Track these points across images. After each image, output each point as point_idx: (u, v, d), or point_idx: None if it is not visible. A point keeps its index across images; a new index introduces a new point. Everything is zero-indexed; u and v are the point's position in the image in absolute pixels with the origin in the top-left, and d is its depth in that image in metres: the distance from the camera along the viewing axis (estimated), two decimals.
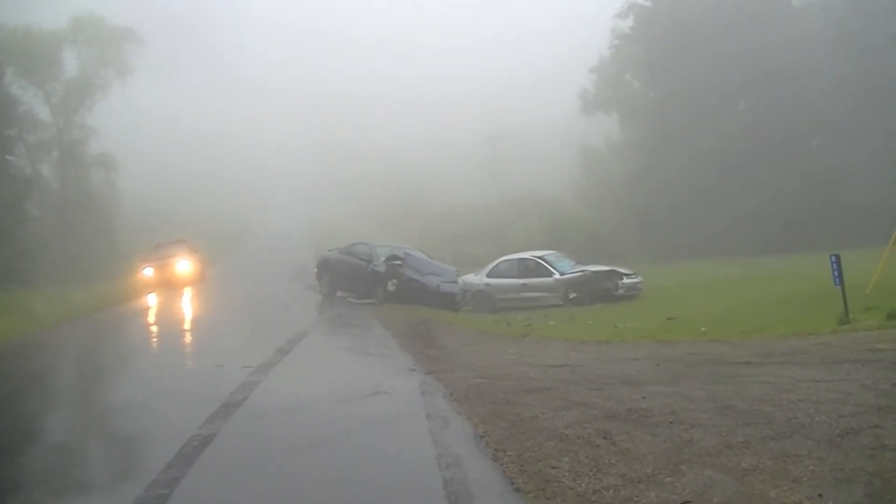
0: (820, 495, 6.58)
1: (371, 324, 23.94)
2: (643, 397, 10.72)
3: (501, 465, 8.27)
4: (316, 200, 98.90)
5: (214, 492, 7.87)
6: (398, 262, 30.17)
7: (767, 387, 10.89)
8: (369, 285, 30.79)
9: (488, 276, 32.43)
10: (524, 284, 31.27)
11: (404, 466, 8.71)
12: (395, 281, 29.97)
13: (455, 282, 30.89)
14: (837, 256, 17.49)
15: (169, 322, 27.11)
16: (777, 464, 7.49)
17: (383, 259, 30.60)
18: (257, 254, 64.79)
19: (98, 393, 14.91)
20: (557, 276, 30.73)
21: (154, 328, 26.07)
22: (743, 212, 51.35)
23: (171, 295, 35.68)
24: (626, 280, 30.37)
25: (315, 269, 34.62)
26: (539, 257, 32.15)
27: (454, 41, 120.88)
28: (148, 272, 41.23)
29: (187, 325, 26.05)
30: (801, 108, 50.94)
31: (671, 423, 9.26)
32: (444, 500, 7.21)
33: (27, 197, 52.87)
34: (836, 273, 17.38)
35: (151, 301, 34.16)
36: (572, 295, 30.03)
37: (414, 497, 7.71)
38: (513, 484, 7.62)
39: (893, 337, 14.14)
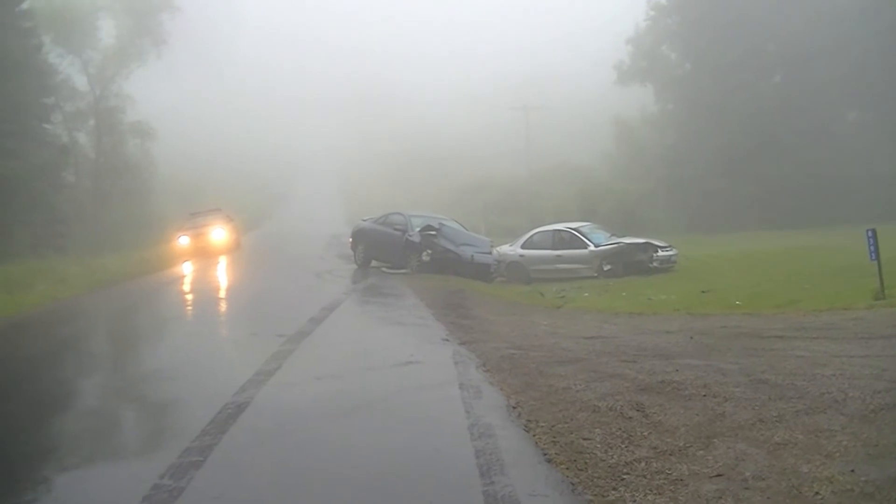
0: (852, 471, 6.55)
1: (405, 294, 23.93)
2: (676, 370, 10.70)
3: (533, 435, 8.28)
4: (349, 170, 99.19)
5: (247, 459, 7.90)
6: (433, 232, 30.08)
7: (801, 361, 10.85)
8: (404, 255, 30.72)
9: (522, 247, 32.43)
10: (558, 256, 31.25)
11: (436, 435, 8.72)
12: (429, 251, 29.90)
13: (489, 252, 30.84)
14: (874, 230, 17.38)
15: (203, 290, 27.22)
16: (810, 438, 7.47)
17: (418, 229, 30.50)
18: (291, 223, 65.08)
19: (131, 359, 15.00)
20: (592, 247, 30.69)
21: (189, 296, 26.17)
22: (777, 185, 51.27)
23: (205, 263, 35.82)
24: (660, 253, 30.31)
25: (349, 239, 34.60)
26: (574, 229, 32.11)
27: (488, 12, 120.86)
28: (183, 240, 41.42)
29: (222, 294, 26.17)
30: (838, 81, 50.55)
31: (704, 396, 9.25)
32: (476, 469, 7.21)
33: (63, 164, 53.34)
34: (871, 247, 17.27)
35: (186, 269, 34.31)
36: (607, 267, 29.99)
37: (445, 466, 7.70)
38: (545, 455, 7.62)
39: None
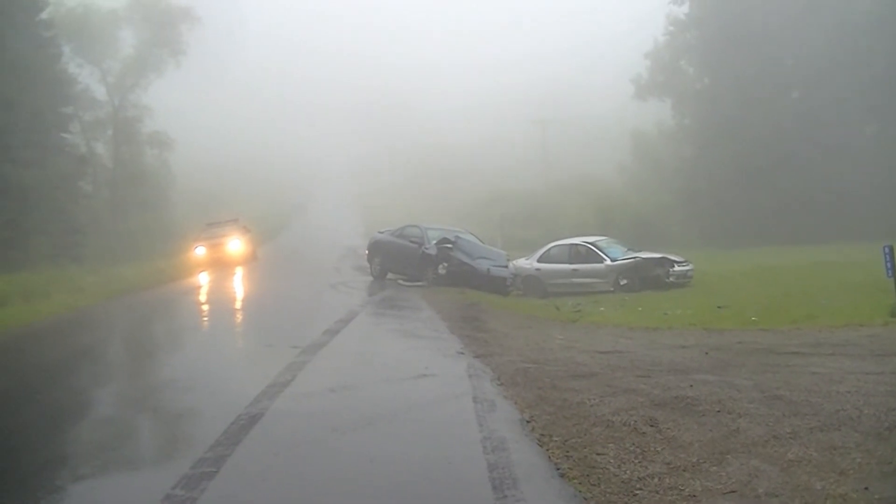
0: (866, 488, 6.55)
1: (420, 306, 23.92)
2: (691, 385, 10.69)
3: (547, 450, 8.28)
4: (366, 183, 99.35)
5: (261, 470, 7.92)
6: (449, 245, 30.06)
7: (816, 377, 10.84)
8: (420, 268, 30.74)
9: (539, 260, 32.31)
10: (575, 270, 31.15)
11: (449, 449, 8.73)
12: (445, 264, 29.89)
13: (506, 266, 30.76)
14: (891, 247, 17.32)
15: (219, 301, 27.34)
16: (824, 455, 7.46)
17: (434, 242, 30.52)
18: (308, 234, 65.19)
19: (146, 369, 15.08)
20: (608, 262, 30.57)
21: (204, 307, 26.30)
22: (795, 199, 51.13)
23: (221, 274, 35.96)
24: (677, 268, 30.18)
25: (366, 251, 34.64)
26: (590, 243, 32.01)
27: (505, 24, 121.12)
28: (199, 251, 41.60)
29: (237, 305, 26.28)
30: (856, 95, 50.35)
31: (718, 412, 9.24)
32: (489, 483, 7.21)
33: (81, 174, 53.44)
34: (888, 264, 17.22)
35: (202, 280, 34.45)
36: (623, 281, 29.89)
37: (458, 480, 7.72)
38: (558, 469, 7.63)
39: None
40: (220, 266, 39.02)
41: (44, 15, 48.78)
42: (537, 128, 78.55)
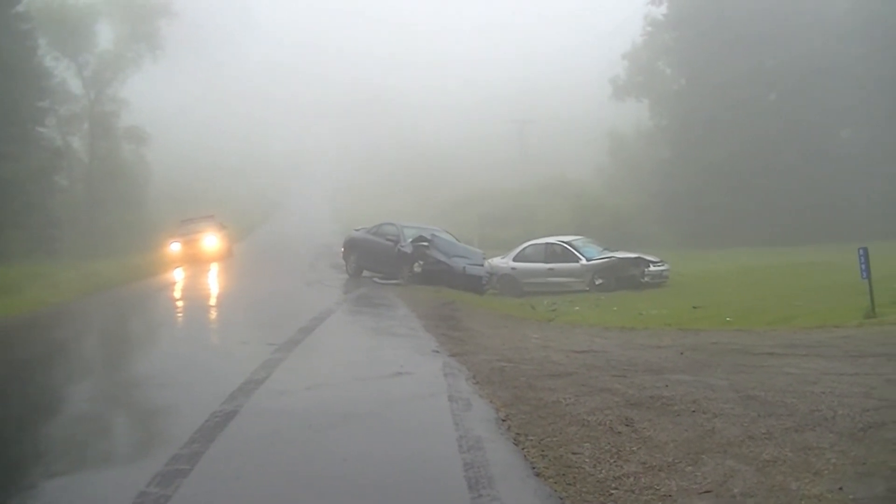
0: (841, 488, 6.55)
1: (396, 304, 23.88)
2: (666, 385, 10.69)
3: (522, 449, 8.26)
4: (343, 181, 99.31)
5: (235, 467, 7.89)
6: (425, 243, 30.03)
7: (791, 378, 10.86)
8: (396, 266, 30.67)
9: (514, 259, 32.37)
10: (550, 269, 31.21)
11: (424, 448, 8.70)
12: (421, 262, 29.87)
13: (481, 265, 30.73)
14: (865, 249, 17.40)
15: (194, 297, 27.22)
16: (799, 456, 7.46)
17: (410, 240, 30.48)
18: (285, 231, 65.07)
19: (119, 365, 14.99)
20: (584, 261, 30.65)
21: (179, 303, 26.17)
22: (773, 201, 51.27)
23: (196, 270, 35.82)
24: (652, 268, 30.26)
25: (342, 249, 34.57)
26: (566, 242, 32.08)
27: (483, 25, 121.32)
28: (175, 247, 41.41)
29: (212, 301, 26.15)
30: (833, 97, 50.53)
31: (693, 411, 9.25)
32: (464, 482, 7.19)
33: (57, 168, 53.11)
34: (863, 266, 17.28)
35: (177, 276, 34.32)
36: (598, 281, 29.97)
37: (433, 479, 7.69)
38: (533, 469, 7.61)
39: None
40: (196, 262, 38.89)
41: (20, 7, 48.42)
42: (515, 126, 78.74)
